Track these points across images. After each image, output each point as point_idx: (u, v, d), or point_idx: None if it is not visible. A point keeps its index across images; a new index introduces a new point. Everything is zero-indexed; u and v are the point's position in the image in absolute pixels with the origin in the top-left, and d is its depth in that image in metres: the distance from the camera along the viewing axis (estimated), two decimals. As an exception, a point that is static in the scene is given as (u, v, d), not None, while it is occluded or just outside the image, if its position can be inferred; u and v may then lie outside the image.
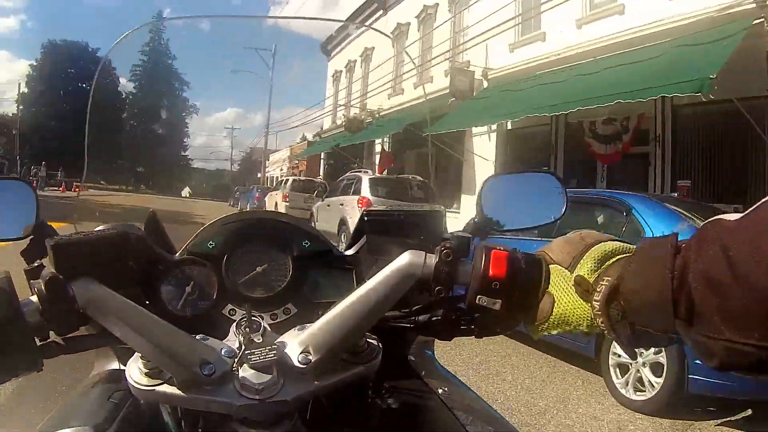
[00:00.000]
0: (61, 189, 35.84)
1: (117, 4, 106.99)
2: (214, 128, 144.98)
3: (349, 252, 1.18)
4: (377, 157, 25.25)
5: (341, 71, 32.50)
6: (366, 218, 1.15)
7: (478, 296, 0.79)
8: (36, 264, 0.83)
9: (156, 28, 76.23)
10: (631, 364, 5.08)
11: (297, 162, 43.27)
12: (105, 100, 71.29)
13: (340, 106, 30.60)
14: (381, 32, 25.32)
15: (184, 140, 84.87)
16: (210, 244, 1.08)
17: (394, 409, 1.03)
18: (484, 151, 17.76)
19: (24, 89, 67.01)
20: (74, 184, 40.93)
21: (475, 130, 17.80)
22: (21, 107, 65.13)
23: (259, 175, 65.46)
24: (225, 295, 1.04)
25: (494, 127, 17.08)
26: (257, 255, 1.09)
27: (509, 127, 17.05)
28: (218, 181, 76.40)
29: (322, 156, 33.46)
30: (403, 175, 17.29)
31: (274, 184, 29.07)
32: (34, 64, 69.71)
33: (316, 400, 0.87)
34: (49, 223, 0.95)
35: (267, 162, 52.08)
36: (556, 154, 15.58)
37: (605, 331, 0.73)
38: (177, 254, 1.09)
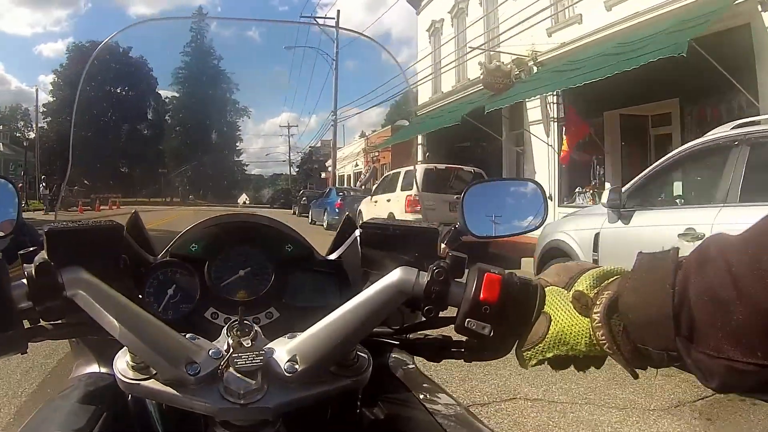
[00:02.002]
0: (78, 209, 27.58)
1: (161, 12, 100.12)
2: (268, 133, 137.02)
3: (332, 257, 1.17)
4: (533, 127, 15.91)
5: (442, 20, 23.33)
6: (361, 230, 1.06)
7: (468, 319, 0.77)
8: (32, 249, 0.81)
9: (198, 27, 70.16)
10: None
11: (377, 154, 34.27)
12: (142, 106, 64.74)
13: (452, 61, 21.23)
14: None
15: (237, 144, 77.85)
16: (192, 247, 1.09)
17: (381, 420, 1.01)
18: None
19: (50, 98, 60.50)
20: (97, 200, 33.37)
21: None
22: (49, 118, 59.02)
23: (323, 175, 57.52)
24: (207, 298, 1.05)
25: None
26: (240, 258, 1.10)
27: None
28: (276, 187, 69.15)
29: (420, 140, 24.37)
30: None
31: (377, 181, 18.90)
32: (59, 69, 63.09)
33: (304, 409, 0.81)
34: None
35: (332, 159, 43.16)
36: None
37: (605, 346, 0.70)
38: (159, 256, 1.09)
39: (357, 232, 1.11)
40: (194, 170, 67.30)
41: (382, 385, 1.07)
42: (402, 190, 13.60)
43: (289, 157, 72.42)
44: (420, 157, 24.78)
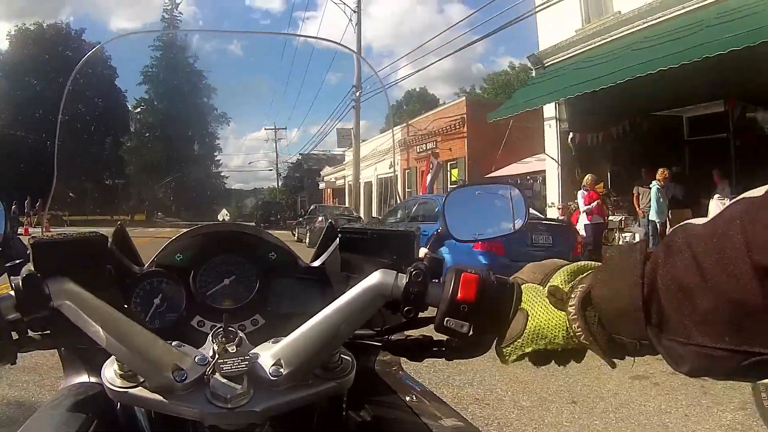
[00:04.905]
0: (24, 231, 21.58)
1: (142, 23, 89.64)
2: (252, 139, 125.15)
3: (315, 264, 1.19)
4: None
5: None
6: (340, 235, 1.09)
7: (446, 319, 0.77)
8: (18, 261, 0.82)
9: (170, 15, 63.04)
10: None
11: (434, 145, 23.51)
12: (106, 111, 53.55)
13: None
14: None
15: (215, 154, 67.15)
16: (178, 257, 1.11)
17: (368, 422, 1.01)
18: None
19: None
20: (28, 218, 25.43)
21: None
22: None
23: (322, 185, 46.47)
24: (193, 307, 1.07)
25: None
26: (225, 267, 1.12)
27: None
28: (262, 199, 58.86)
29: (553, 112, 14.00)
30: None
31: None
32: (-1, 58, 51.90)
33: (291, 412, 0.81)
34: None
35: (340, 159, 32.24)
36: None
37: (582, 338, 0.71)
38: (146, 267, 1.11)
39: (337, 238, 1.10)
40: (165, 183, 56.59)
41: (369, 387, 1.07)
42: None
43: (277, 165, 61.64)
44: (553, 142, 14.32)
